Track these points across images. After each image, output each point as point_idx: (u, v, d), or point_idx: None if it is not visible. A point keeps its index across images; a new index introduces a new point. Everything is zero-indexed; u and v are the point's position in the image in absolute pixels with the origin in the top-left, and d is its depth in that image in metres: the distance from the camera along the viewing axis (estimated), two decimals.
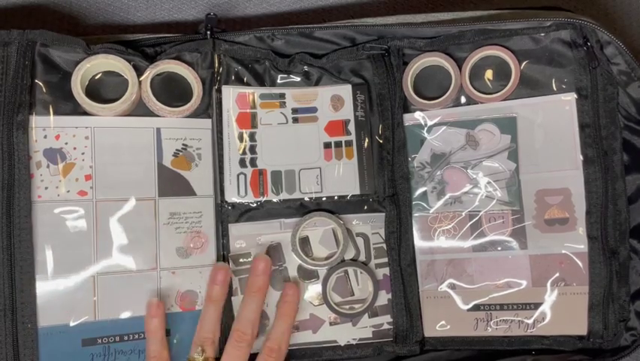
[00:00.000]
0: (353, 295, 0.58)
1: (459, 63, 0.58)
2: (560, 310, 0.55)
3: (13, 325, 0.50)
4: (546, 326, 0.56)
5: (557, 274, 0.56)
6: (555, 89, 0.56)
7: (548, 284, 0.56)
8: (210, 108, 0.58)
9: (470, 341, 0.58)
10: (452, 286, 0.58)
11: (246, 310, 0.54)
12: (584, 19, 0.54)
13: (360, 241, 0.59)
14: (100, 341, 0.52)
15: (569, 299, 0.55)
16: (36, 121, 0.52)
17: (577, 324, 0.55)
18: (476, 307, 0.57)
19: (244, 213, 0.58)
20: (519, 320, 0.56)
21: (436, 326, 0.58)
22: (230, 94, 0.58)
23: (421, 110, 0.59)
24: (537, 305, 0.56)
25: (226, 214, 0.57)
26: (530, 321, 0.56)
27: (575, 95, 0.56)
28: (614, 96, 0.55)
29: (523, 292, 0.56)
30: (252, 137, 0.58)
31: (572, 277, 0.55)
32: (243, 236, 0.58)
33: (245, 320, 0.53)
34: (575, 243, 0.55)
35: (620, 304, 0.55)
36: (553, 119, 0.56)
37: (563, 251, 0.56)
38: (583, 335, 0.55)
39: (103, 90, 0.55)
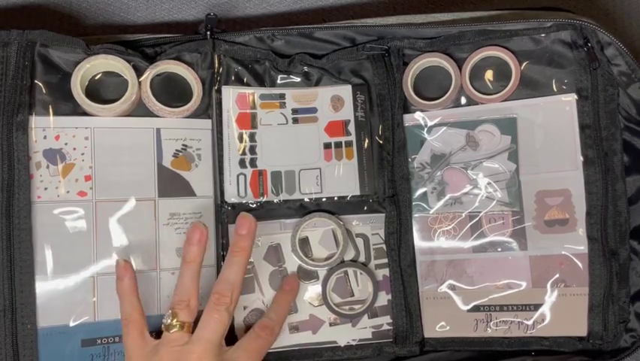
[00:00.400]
0: (353, 295, 0.58)
1: (459, 64, 0.57)
2: (559, 312, 0.55)
3: (13, 325, 0.50)
4: (546, 327, 0.56)
5: (557, 275, 0.56)
6: (555, 89, 0.56)
7: (548, 285, 0.56)
8: (210, 109, 0.58)
9: (470, 342, 0.58)
10: (452, 287, 0.58)
11: (227, 272, 0.50)
12: (584, 19, 0.54)
13: (360, 241, 0.59)
14: (99, 341, 0.52)
15: (569, 300, 0.55)
16: (36, 121, 0.52)
17: (577, 325, 0.55)
18: (476, 308, 0.57)
19: None
20: (519, 321, 0.56)
21: (436, 326, 0.58)
22: (230, 94, 0.58)
23: (421, 110, 0.59)
24: (537, 306, 0.56)
25: (226, 215, 0.57)
26: (530, 322, 0.56)
27: (576, 96, 0.55)
28: (614, 97, 0.55)
29: (523, 293, 0.56)
30: (251, 137, 0.58)
31: (571, 278, 0.55)
32: None
33: (224, 281, 0.50)
34: (575, 244, 0.55)
35: (620, 305, 0.55)
36: (554, 120, 0.56)
37: (563, 252, 0.56)
38: (583, 336, 0.55)
39: (103, 91, 0.55)
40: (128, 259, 0.53)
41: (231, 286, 0.50)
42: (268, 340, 0.52)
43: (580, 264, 0.55)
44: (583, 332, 0.55)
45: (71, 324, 0.52)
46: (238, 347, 0.51)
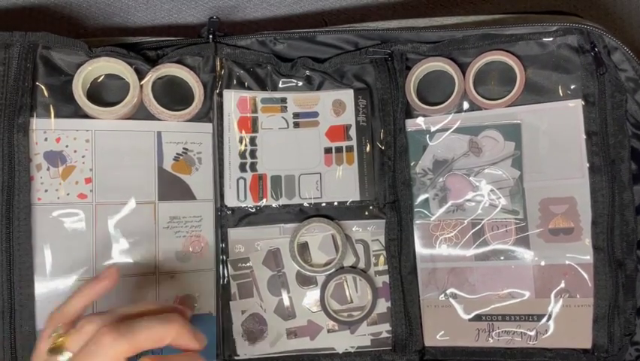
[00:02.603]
0: (352, 302, 0.57)
1: (463, 68, 0.56)
2: (563, 323, 0.54)
3: (11, 327, 0.50)
4: (549, 339, 0.54)
5: (561, 285, 0.54)
6: (561, 95, 0.55)
7: (552, 295, 0.54)
8: (211, 112, 0.57)
9: (471, 352, 0.57)
10: (453, 296, 0.57)
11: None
12: (590, 24, 0.53)
13: (359, 247, 0.58)
14: None
15: (574, 311, 0.54)
16: (37, 123, 0.52)
17: (581, 337, 0.54)
18: (478, 318, 0.56)
19: (243, 217, 0.58)
20: (521, 332, 0.55)
21: (437, 335, 0.57)
22: (231, 98, 0.58)
23: (424, 115, 0.58)
24: (540, 317, 0.55)
25: (225, 219, 0.57)
26: (533, 333, 0.55)
27: (582, 102, 0.54)
28: (622, 103, 0.54)
29: (526, 303, 0.55)
30: (252, 141, 0.58)
31: (576, 289, 0.54)
32: (242, 241, 0.57)
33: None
34: (580, 253, 0.54)
35: (626, 317, 0.54)
36: (559, 126, 0.55)
37: (568, 262, 0.54)
38: (587, 349, 0.54)
39: (104, 93, 0.55)
40: (129, 261, 0.53)
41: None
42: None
43: (585, 274, 0.54)
44: (587, 344, 0.54)
45: None
46: None
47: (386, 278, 0.58)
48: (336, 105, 0.59)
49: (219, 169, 0.57)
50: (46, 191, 0.52)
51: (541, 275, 0.55)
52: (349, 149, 0.58)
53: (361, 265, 0.58)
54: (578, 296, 0.54)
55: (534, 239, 0.55)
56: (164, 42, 0.57)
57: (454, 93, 0.57)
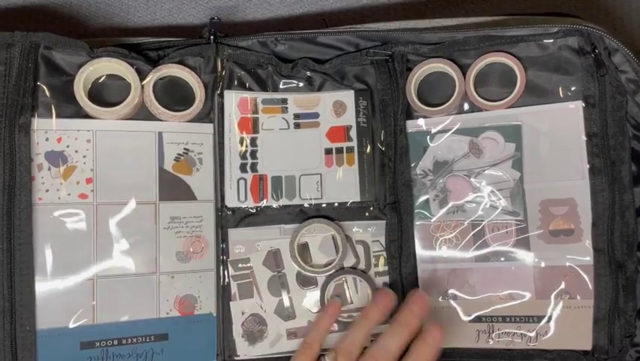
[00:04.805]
0: (352, 303, 0.57)
1: (463, 70, 0.57)
2: (564, 324, 0.54)
3: (12, 327, 0.50)
4: (550, 340, 0.54)
5: (562, 287, 0.54)
6: (562, 96, 0.55)
7: (552, 297, 0.54)
8: (212, 113, 0.58)
9: (471, 354, 0.56)
10: (454, 297, 0.57)
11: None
12: (591, 25, 0.53)
13: (360, 248, 0.58)
14: (98, 344, 0.52)
15: (574, 313, 0.54)
16: (38, 123, 0.52)
17: (581, 339, 0.54)
18: (478, 319, 0.56)
19: (244, 218, 0.58)
20: (522, 333, 0.55)
21: None
22: (232, 99, 0.58)
23: (424, 116, 0.58)
24: (540, 318, 0.55)
25: (226, 219, 0.57)
26: (533, 334, 0.55)
27: (583, 104, 0.54)
28: (622, 105, 0.54)
29: (526, 305, 0.55)
30: (253, 142, 0.58)
31: (576, 290, 0.54)
32: (243, 241, 0.57)
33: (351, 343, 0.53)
34: (581, 255, 0.54)
35: (626, 319, 0.54)
36: (560, 127, 0.55)
37: (568, 263, 0.54)
38: (587, 350, 0.54)
39: (105, 93, 0.55)
40: (129, 261, 0.53)
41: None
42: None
43: (585, 276, 0.54)
44: (588, 345, 0.54)
45: (70, 326, 0.52)
46: None
47: (386, 279, 0.58)
48: (336, 106, 0.59)
49: (220, 170, 0.57)
50: (47, 191, 0.52)
51: (542, 277, 0.55)
52: (350, 150, 0.58)
53: (361, 266, 0.58)
54: (578, 298, 0.54)
55: (534, 240, 0.55)
56: (165, 43, 0.57)
57: (455, 94, 0.57)
